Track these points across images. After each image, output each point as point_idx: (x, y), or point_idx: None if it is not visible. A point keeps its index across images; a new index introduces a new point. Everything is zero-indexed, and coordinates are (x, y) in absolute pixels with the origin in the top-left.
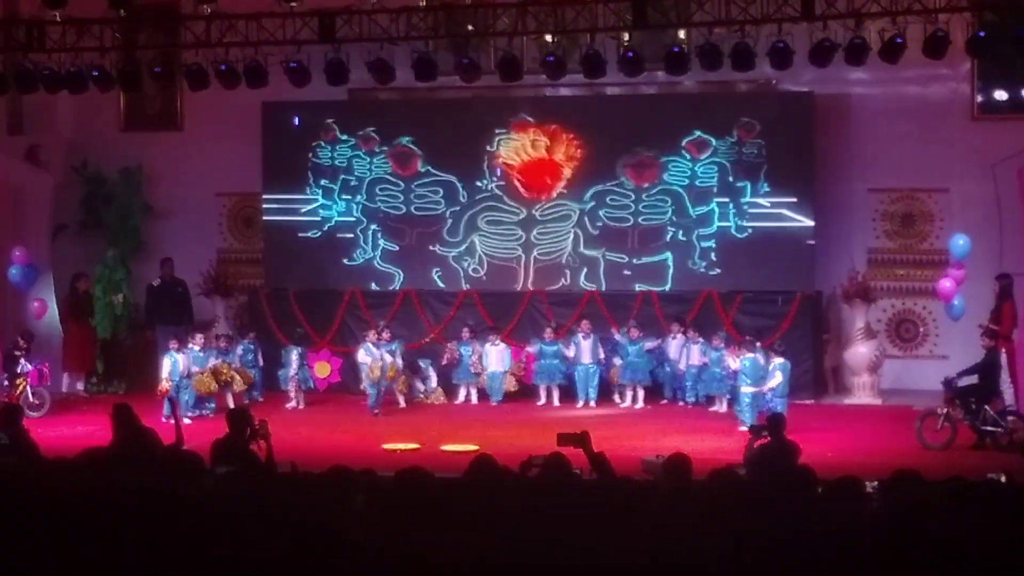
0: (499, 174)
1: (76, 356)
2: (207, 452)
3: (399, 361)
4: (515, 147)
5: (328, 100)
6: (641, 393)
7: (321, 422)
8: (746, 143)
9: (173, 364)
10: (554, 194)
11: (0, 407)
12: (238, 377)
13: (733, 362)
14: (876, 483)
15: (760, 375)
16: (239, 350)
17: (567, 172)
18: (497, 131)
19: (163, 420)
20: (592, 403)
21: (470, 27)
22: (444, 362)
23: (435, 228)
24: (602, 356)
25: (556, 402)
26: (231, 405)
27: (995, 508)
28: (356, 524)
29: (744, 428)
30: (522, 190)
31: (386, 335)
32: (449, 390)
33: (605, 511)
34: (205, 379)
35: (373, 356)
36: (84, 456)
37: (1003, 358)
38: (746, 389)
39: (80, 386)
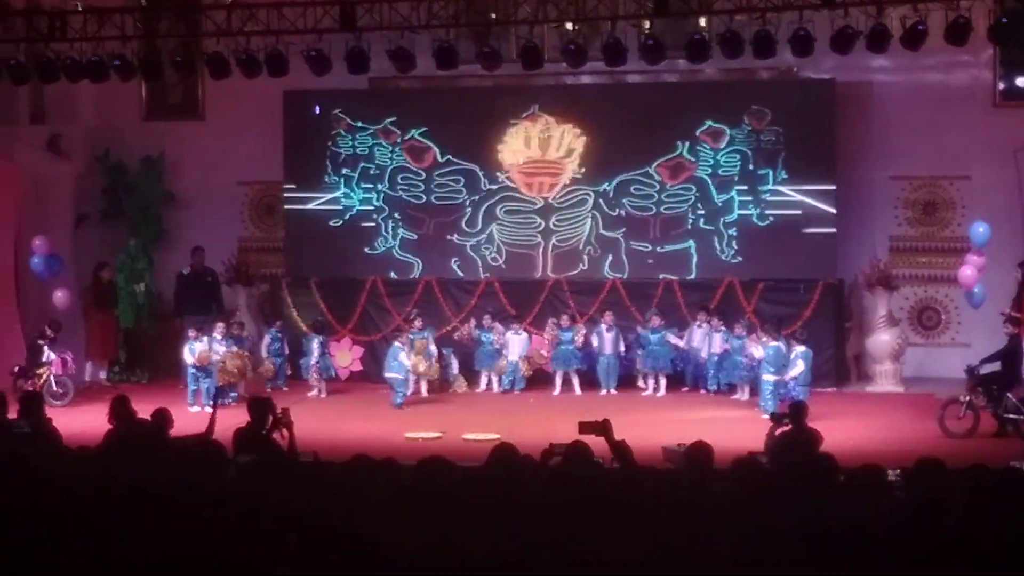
0: (522, 161)
1: (100, 345)
2: (229, 441)
3: (432, 348)
4: (515, 145)
5: (349, 88)
6: (663, 381)
7: (343, 411)
8: (763, 131)
9: (191, 353)
10: (555, 192)
11: (21, 396)
12: (249, 366)
13: (757, 351)
14: (898, 471)
15: (783, 363)
16: (266, 339)
17: (571, 166)
18: (511, 122)
19: (188, 409)
20: (612, 391)
21: (493, 16)
22: (458, 337)
23: (454, 217)
24: (622, 349)
25: (577, 389)
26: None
27: (1017, 496)
28: (378, 513)
29: (766, 416)
30: (523, 188)
31: (418, 323)
32: (470, 379)
33: (627, 500)
34: (226, 368)
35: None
36: (103, 446)
37: None
38: (768, 377)
39: (103, 375)
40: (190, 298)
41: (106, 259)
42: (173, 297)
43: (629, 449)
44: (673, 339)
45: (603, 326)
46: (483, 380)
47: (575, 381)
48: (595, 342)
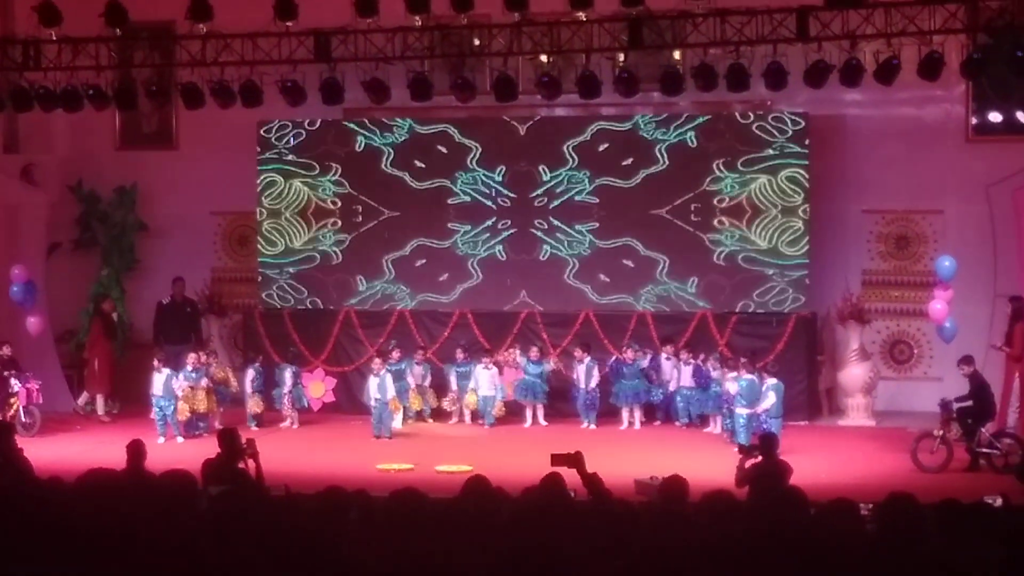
0: (493, 194)
1: (106, 377)
2: (198, 472)
3: (410, 379)
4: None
5: (323, 119)
6: (638, 414)
7: (315, 442)
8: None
9: (155, 383)
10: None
11: None
12: (233, 380)
13: (731, 386)
14: (870, 505)
15: (756, 396)
16: (250, 374)
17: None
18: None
19: (159, 442)
20: (592, 425)
21: (476, 42)
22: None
23: (431, 244)
24: (596, 380)
25: (542, 421)
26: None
27: (990, 531)
28: (350, 545)
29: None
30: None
31: (396, 355)
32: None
33: (600, 533)
34: (199, 398)
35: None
36: (87, 478)
37: (1016, 381)
38: (741, 411)
39: (93, 406)
40: (168, 328)
41: (77, 288)
42: (152, 326)
43: (601, 481)
44: (643, 363)
45: (575, 360)
46: (454, 413)
47: (540, 414)
48: (574, 375)
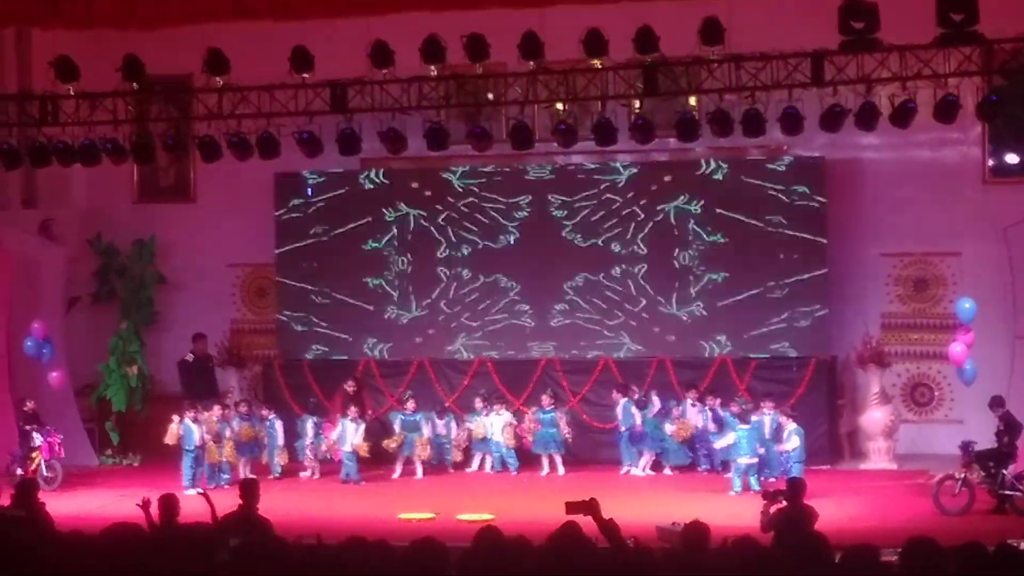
0: (513, 242)
1: None
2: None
3: (425, 430)
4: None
5: (340, 170)
6: (643, 460)
7: (337, 491)
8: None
9: (188, 433)
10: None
11: (16, 483)
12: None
13: (728, 437)
14: (894, 551)
15: (755, 443)
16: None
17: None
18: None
19: (184, 491)
20: (634, 470)
21: (490, 96)
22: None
23: (449, 293)
24: (638, 422)
25: (560, 469)
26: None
27: (1014, 574)
28: None
29: (733, 493)
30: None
31: (410, 405)
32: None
33: None
34: (226, 449)
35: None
36: (109, 532)
37: None
38: (742, 460)
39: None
40: (196, 385)
41: (97, 342)
42: (182, 385)
43: (618, 528)
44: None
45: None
46: (475, 461)
47: (558, 462)
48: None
